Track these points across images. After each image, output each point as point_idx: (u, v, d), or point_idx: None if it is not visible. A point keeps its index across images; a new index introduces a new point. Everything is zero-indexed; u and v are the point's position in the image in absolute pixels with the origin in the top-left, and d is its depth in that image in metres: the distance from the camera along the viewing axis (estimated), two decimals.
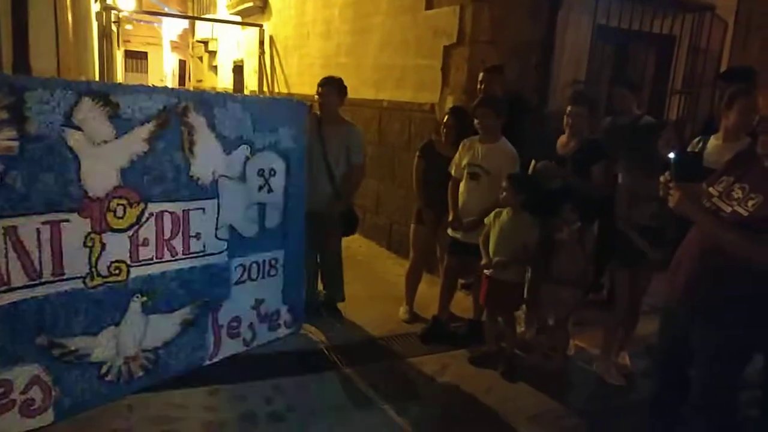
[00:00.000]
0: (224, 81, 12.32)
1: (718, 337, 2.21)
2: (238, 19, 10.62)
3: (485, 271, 3.38)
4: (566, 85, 4.79)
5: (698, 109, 5.71)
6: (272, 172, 3.36)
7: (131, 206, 2.70)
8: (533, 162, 3.52)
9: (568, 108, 3.50)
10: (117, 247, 2.67)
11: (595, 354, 3.57)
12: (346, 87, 3.89)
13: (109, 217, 2.62)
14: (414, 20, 5.31)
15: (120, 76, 16.02)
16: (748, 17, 5.87)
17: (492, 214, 3.37)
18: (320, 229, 3.82)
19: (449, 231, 3.73)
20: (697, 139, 3.32)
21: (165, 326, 2.92)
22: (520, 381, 3.31)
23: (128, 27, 20.56)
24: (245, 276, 3.29)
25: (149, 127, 2.69)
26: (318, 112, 3.87)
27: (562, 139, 3.60)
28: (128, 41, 23.39)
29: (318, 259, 4.01)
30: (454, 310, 4.01)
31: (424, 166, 4.02)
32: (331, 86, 3.79)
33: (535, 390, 3.22)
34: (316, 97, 3.84)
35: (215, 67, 13.24)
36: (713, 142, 3.17)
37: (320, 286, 4.11)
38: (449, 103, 4.83)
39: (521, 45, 4.70)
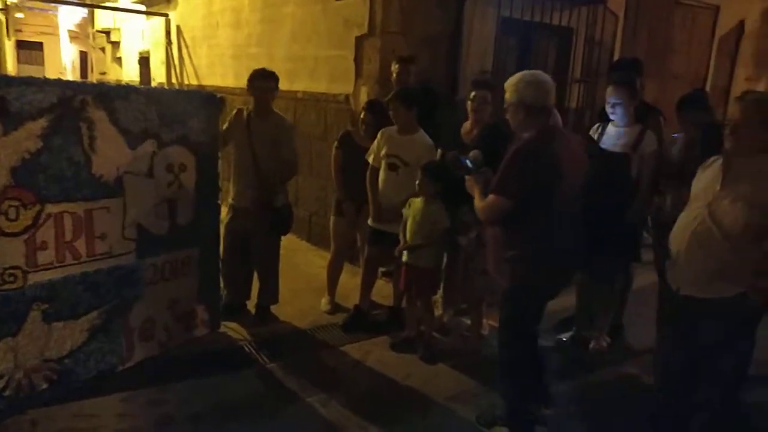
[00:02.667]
0: (130, 73, 11.67)
1: (506, 288, 2.64)
2: (142, 8, 10.07)
3: (403, 257, 3.45)
4: (474, 75, 4.95)
5: (596, 97, 6.08)
6: (182, 167, 3.26)
7: (25, 208, 2.54)
8: (439, 152, 3.60)
9: (471, 94, 3.60)
10: (11, 252, 2.51)
11: None
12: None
13: (1, 220, 2.44)
14: (325, 10, 5.29)
15: (11, 68, 14.75)
16: (636, 10, 6.30)
17: (407, 205, 3.44)
18: (251, 228, 3.74)
19: (369, 221, 3.77)
20: (596, 125, 3.55)
21: (70, 333, 2.78)
22: (439, 363, 3.41)
23: (19, 15, 18.97)
24: (158, 276, 3.19)
25: (42, 122, 2.53)
26: (249, 107, 3.73)
27: (466, 126, 3.71)
28: (20, 30, 21.59)
29: (250, 258, 3.88)
30: (375, 298, 4.06)
31: (342, 157, 4.02)
32: (272, 80, 3.67)
33: (454, 371, 3.34)
34: (250, 89, 3.68)
35: (119, 58, 12.50)
36: (611, 128, 3.40)
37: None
38: (363, 94, 4.86)
39: (430, 36, 4.80)
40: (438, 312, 3.91)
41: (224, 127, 3.72)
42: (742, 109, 2.15)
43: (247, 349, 3.47)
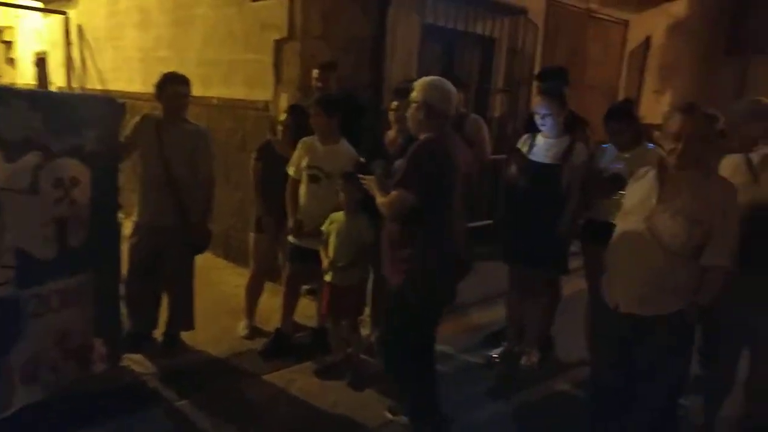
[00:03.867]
0: (25, 76, 10.70)
1: (397, 291, 2.60)
2: (39, 4, 9.24)
3: (325, 277, 3.22)
4: (398, 82, 4.81)
5: (517, 106, 6.14)
6: (74, 182, 2.86)
7: None
8: (360, 161, 3.42)
9: (393, 103, 3.46)
10: None
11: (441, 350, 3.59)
12: None
13: None
14: (240, 12, 4.98)
15: None
16: (555, 22, 6.44)
17: (327, 221, 3.22)
18: (162, 246, 3.38)
19: (289, 237, 3.51)
20: (525, 136, 3.48)
21: None
22: (368, 388, 3.20)
23: None
24: (44, 307, 2.76)
25: None
26: (157, 113, 3.38)
27: (390, 135, 3.54)
28: None
29: (159, 280, 3.52)
30: (298, 318, 3.81)
31: (262, 168, 3.75)
32: (185, 85, 3.34)
33: (384, 396, 3.12)
34: (161, 95, 3.32)
35: (12, 59, 11.45)
36: (540, 139, 3.34)
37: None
38: (284, 101, 4.60)
39: (353, 41, 4.63)
40: (365, 332, 3.70)
41: (127, 134, 3.35)
42: (694, 124, 2.10)
43: (153, 384, 3.11)
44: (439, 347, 3.70)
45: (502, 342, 3.72)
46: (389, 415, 2.94)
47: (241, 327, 3.83)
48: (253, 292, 3.87)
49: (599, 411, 2.56)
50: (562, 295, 3.77)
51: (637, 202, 2.26)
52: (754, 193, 2.40)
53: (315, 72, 4.07)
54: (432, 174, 2.43)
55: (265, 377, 3.27)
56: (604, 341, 2.46)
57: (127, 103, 3.32)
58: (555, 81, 3.45)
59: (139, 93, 6.08)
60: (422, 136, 2.54)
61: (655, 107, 7.89)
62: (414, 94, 2.56)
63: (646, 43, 7.91)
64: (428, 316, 2.71)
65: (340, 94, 3.93)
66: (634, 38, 7.72)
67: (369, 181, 2.68)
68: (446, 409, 3.02)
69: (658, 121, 4.02)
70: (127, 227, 3.42)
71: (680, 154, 2.10)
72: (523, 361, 3.57)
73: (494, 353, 3.66)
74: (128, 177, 3.33)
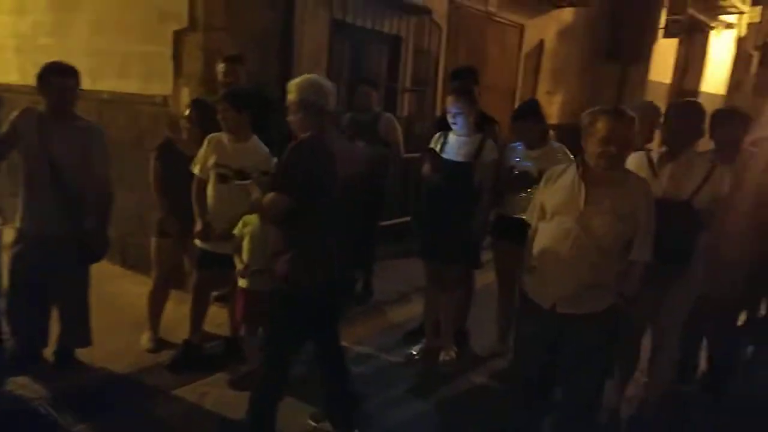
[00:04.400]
0: None
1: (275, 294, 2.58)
2: None
3: (240, 280, 3.06)
4: None
5: (424, 105, 6.23)
6: None
7: None
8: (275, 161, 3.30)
9: None
10: None
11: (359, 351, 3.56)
12: None
13: None
14: None
15: None
16: (457, 24, 6.60)
17: (241, 224, 3.06)
18: (51, 255, 3.03)
19: (197, 242, 3.30)
20: (438, 135, 3.51)
21: None
22: (289, 396, 3.05)
23: None
24: None
25: None
26: (42, 107, 3.00)
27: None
28: None
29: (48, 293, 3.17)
30: (208, 327, 3.60)
31: (162, 168, 3.49)
32: (72, 77, 2.98)
33: (305, 403, 3.01)
34: (44, 88, 2.95)
35: None
36: (452, 137, 3.38)
37: None
38: (185, 95, 4.34)
39: (260, 34, 4.45)
40: None
41: (5, 131, 2.97)
42: (624, 127, 2.17)
43: (44, 410, 2.79)
44: (358, 348, 3.72)
45: (420, 339, 3.75)
46: (312, 423, 2.85)
47: (145, 339, 3.55)
48: (157, 301, 3.60)
49: (527, 408, 2.62)
50: (474, 290, 3.87)
51: (561, 203, 2.31)
52: (654, 187, 2.57)
53: (221, 66, 3.87)
54: (309, 173, 2.36)
55: (175, 392, 3.06)
56: (535, 341, 2.48)
57: (3, 96, 2.95)
58: (466, 80, 3.51)
59: (16, 85, 5.48)
60: (302, 135, 2.48)
61: (548, 107, 8.35)
62: (290, 96, 2.50)
63: (540, 46, 8.35)
64: (298, 326, 2.58)
65: (250, 89, 3.76)
66: (529, 42, 8.10)
67: (249, 186, 2.61)
68: (367, 409, 3.00)
69: (552, 120, 4.20)
70: (9, 235, 3.05)
71: (612, 157, 2.18)
72: (442, 356, 3.61)
73: (413, 350, 3.68)
74: (8, 180, 2.96)
